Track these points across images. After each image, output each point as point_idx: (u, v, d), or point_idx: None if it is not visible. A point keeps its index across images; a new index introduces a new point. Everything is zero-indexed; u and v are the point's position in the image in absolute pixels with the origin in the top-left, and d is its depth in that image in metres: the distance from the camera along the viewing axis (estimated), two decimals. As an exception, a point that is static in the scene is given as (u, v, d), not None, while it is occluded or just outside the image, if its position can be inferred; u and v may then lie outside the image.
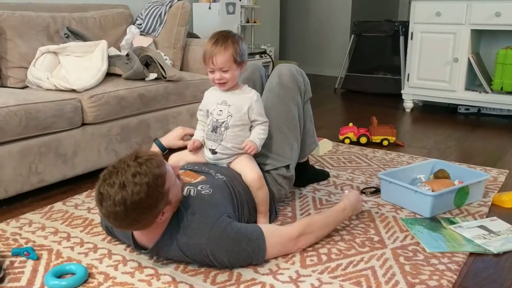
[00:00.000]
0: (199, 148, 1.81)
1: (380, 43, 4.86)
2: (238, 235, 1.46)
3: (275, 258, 1.55)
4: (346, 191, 2.01)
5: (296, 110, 1.93)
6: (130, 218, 1.31)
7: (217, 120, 1.72)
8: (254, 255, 1.49)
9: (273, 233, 1.55)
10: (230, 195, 1.62)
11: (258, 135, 1.74)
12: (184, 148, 1.84)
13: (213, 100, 1.75)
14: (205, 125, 1.79)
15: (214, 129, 1.72)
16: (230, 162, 1.76)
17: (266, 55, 4.68)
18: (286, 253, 1.58)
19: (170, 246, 1.46)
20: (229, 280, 1.44)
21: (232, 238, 1.45)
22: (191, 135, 1.86)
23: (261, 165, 1.85)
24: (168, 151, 1.88)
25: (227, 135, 1.71)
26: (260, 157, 1.86)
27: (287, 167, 1.89)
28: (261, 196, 1.71)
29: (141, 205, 1.30)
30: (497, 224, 1.82)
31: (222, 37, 1.64)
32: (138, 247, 1.52)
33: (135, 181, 1.28)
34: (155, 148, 1.86)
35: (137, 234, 1.51)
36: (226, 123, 1.70)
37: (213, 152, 1.75)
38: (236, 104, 1.71)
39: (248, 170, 1.71)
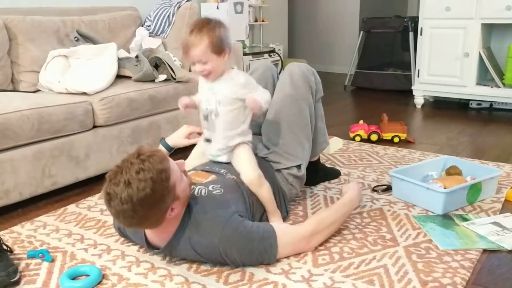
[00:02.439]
0: (193, 103, 1.73)
1: (390, 40, 4.83)
2: (250, 233, 1.47)
3: (287, 257, 1.56)
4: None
5: (307, 109, 1.92)
6: (139, 215, 1.33)
7: (206, 108, 1.67)
8: (265, 254, 1.49)
9: (285, 232, 1.55)
10: (241, 194, 1.62)
11: (261, 97, 1.61)
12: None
13: (202, 88, 1.70)
14: None
15: (205, 117, 1.68)
16: (229, 158, 1.72)
17: (275, 53, 4.68)
18: (298, 252, 1.58)
19: (183, 245, 1.47)
20: (242, 280, 1.45)
21: (244, 236, 1.45)
22: (198, 133, 1.85)
23: (272, 164, 1.85)
24: (174, 150, 1.89)
25: (219, 122, 1.66)
26: (271, 156, 1.86)
27: (299, 166, 1.89)
28: (263, 194, 1.68)
29: (147, 200, 1.31)
30: (510, 220, 1.80)
31: (197, 28, 1.54)
32: (150, 246, 1.54)
33: (139, 177, 1.30)
34: (161, 149, 1.87)
35: (150, 233, 1.52)
36: (216, 111, 1.65)
37: (208, 140, 1.72)
38: (223, 91, 1.63)
39: (245, 170, 1.67)
